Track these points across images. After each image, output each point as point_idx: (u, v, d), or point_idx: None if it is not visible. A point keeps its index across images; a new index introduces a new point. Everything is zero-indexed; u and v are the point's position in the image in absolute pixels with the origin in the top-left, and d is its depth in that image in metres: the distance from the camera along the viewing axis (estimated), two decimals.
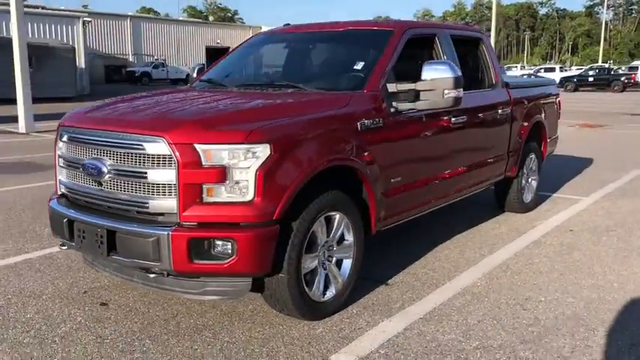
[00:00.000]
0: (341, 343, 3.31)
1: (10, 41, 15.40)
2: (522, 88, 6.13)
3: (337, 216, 3.62)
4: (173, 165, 3.08)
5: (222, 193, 3.11)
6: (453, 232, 5.59)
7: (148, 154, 3.15)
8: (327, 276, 3.66)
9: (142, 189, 3.20)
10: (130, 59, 49.92)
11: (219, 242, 3.10)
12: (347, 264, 3.79)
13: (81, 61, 29.06)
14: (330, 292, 3.67)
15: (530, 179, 6.50)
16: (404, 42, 4.38)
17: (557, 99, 7.07)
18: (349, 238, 3.76)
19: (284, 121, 3.33)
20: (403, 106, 3.99)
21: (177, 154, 3.07)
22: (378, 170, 3.88)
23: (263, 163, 3.10)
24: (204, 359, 3.13)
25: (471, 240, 5.37)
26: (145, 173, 3.16)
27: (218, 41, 57.55)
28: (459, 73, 3.98)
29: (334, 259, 3.70)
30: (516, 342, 3.33)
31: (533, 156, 6.44)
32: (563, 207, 6.71)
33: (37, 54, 24.99)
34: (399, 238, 5.35)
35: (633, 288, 4.19)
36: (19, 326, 3.53)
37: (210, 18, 76.93)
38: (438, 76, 3.93)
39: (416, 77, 4.07)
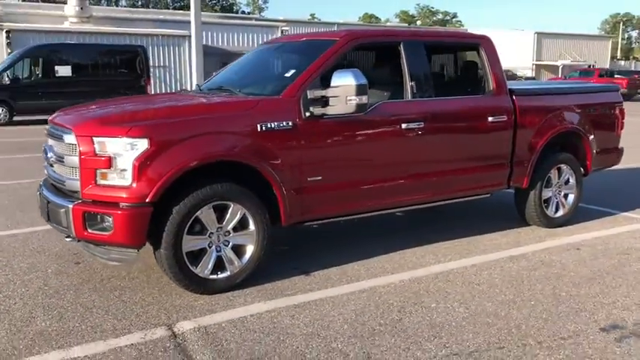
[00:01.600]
0: (202, 313, 3.84)
1: (210, 49, 17.97)
2: (536, 96, 5.80)
3: (232, 206, 4.11)
4: (77, 152, 3.91)
5: (111, 178, 3.85)
6: (443, 237, 5.58)
7: (65, 144, 4.03)
8: (222, 258, 4.17)
9: (63, 171, 4.10)
10: None
11: (105, 217, 3.85)
12: (249, 250, 4.26)
13: None
14: (225, 273, 4.18)
15: (563, 192, 6.09)
16: (343, 51, 4.66)
17: (617, 108, 6.43)
18: (252, 227, 4.23)
19: (170, 120, 3.96)
20: (317, 111, 4.31)
21: (79, 143, 3.88)
22: (288, 168, 4.27)
23: (140, 154, 3.77)
24: (91, 311, 3.90)
25: (450, 246, 5.33)
26: (63, 158, 4.05)
27: None
28: (363, 81, 4.17)
29: (230, 244, 4.19)
30: (346, 336, 3.51)
31: (565, 168, 6.02)
32: (611, 225, 6.14)
33: (233, 60, 28.23)
34: (374, 235, 5.54)
35: (543, 308, 3.95)
36: (9, 271, 4.67)
37: (419, 22, 77.52)
38: (342, 84, 4.18)
39: (370, 83, 4.38)
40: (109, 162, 3.82)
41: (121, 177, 3.82)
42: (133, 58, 18.87)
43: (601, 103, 6.26)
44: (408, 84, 4.90)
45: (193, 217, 3.99)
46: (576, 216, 6.36)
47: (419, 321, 3.74)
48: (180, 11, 40.32)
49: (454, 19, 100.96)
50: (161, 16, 30.77)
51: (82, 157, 3.88)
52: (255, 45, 31.18)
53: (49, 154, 4.27)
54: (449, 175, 5.16)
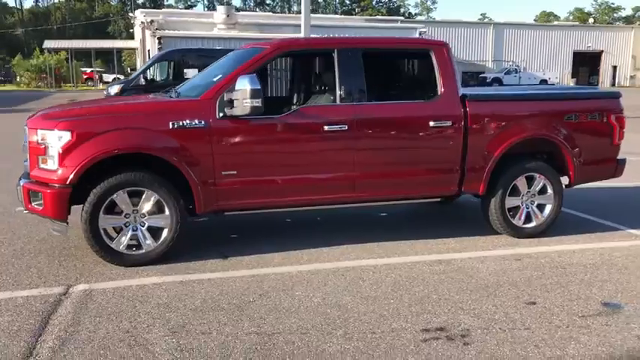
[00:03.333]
0: (102, 280, 4.57)
1: None
2: (494, 102, 5.68)
3: (145, 192, 4.80)
4: (27, 142, 4.87)
5: (47, 163, 4.74)
6: (399, 236, 5.74)
7: (25, 135, 5.01)
8: (138, 236, 4.88)
9: (26, 157, 5.09)
10: (489, 65, 51.39)
11: (39, 194, 4.75)
12: (164, 232, 4.91)
13: None
14: (140, 250, 4.88)
15: (536, 202, 5.87)
16: (268, 59, 5.14)
17: (613, 116, 6.00)
18: (167, 212, 4.88)
19: (92, 117, 4.77)
20: (228, 112, 4.83)
21: (29, 134, 4.84)
22: (201, 162, 4.86)
23: (64, 144, 4.62)
24: (29, 270, 4.81)
25: (392, 246, 5.48)
26: (24, 147, 5.04)
27: (589, 45, 53.98)
28: (256, 86, 4.60)
29: (146, 225, 4.88)
30: (186, 309, 4.01)
31: (538, 177, 5.80)
32: (596, 240, 5.81)
33: None
34: (330, 228, 5.86)
35: (392, 307, 4.09)
36: (10, 235, 5.81)
37: (590, 20, 71.65)
38: (241, 88, 4.66)
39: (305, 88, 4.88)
40: (45, 150, 4.71)
41: (52, 162, 4.69)
42: None
43: (586, 111, 5.89)
44: (337, 89, 5.19)
45: (109, 200, 4.73)
46: (569, 227, 6.19)
47: (264, 304, 4.11)
48: (324, 15, 42.21)
49: None
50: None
51: (30, 145, 4.82)
52: None
53: (23, 144, 5.30)
54: (381, 176, 5.34)
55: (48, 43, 45.47)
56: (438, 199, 5.96)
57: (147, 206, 4.84)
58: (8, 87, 48.21)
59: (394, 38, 5.35)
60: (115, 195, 4.74)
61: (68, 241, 5.54)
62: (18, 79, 49.87)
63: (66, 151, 4.61)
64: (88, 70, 53.45)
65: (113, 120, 4.77)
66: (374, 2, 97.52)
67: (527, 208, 5.87)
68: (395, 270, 4.87)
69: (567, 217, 6.76)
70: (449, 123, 5.41)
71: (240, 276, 4.69)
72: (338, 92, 5.20)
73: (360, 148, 5.23)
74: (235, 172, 4.98)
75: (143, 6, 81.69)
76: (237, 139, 4.95)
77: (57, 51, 46.26)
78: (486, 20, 73.39)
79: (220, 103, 4.85)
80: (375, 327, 3.77)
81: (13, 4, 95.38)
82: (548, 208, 5.90)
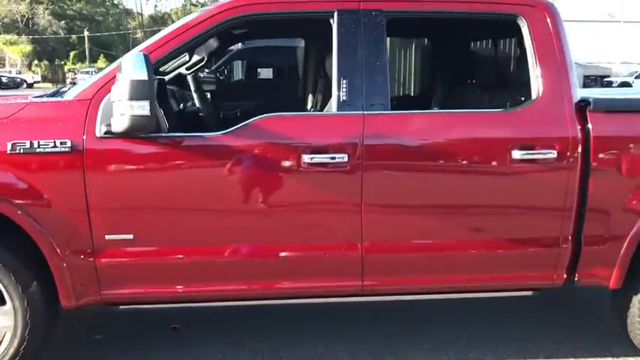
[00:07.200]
0: None
1: None
2: None
3: None
4: None
5: None
6: (440, 349, 3.22)
7: None
8: None
9: None
10: (616, 69, 45.81)
11: None
12: (6, 337, 2.74)
13: None
14: None
15: None
16: (209, 26, 2.79)
17: None
18: (8, 304, 2.70)
19: None
20: (112, 127, 2.55)
21: None
22: (68, 216, 2.65)
23: None
24: None
25: None
26: None
27: None
28: (140, 76, 2.31)
29: None
30: None
31: None
32: None
33: None
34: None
35: None
36: None
37: None
38: (118, 77, 2.38)
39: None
40: None
41: None
42: None
43: None
44: (336, 86, 2.77)
45: None
46: None
47: None
48: None
49: None
50: None
51: None
52: None
53: None
54: (411, 250, 2.85)
55: None
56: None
57: None
58: None
59: None
60: None
61: None
62: None
63: None
64: None
65: None
66: None
67: None
68: None
69: None
70: (552, 153, 2.80)
71: None
72: (335, 91, 2.77)
73: (373, 199, 2.76)
74: (132, 237, 2.69)
75: None
76: (133, 178, 2.67)
77: None
78: (616, 19, 66.84)
79: (105, 109, 2.60)
80: None
81: (136, 10, 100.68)
82: None
